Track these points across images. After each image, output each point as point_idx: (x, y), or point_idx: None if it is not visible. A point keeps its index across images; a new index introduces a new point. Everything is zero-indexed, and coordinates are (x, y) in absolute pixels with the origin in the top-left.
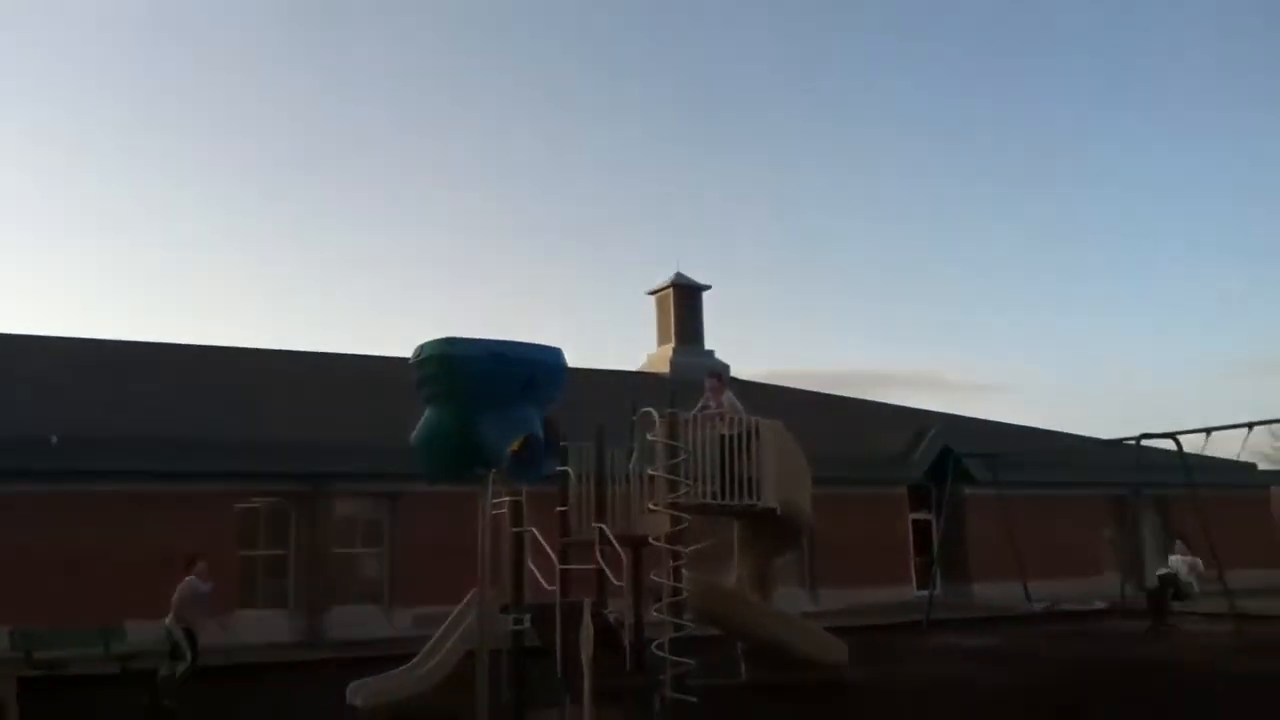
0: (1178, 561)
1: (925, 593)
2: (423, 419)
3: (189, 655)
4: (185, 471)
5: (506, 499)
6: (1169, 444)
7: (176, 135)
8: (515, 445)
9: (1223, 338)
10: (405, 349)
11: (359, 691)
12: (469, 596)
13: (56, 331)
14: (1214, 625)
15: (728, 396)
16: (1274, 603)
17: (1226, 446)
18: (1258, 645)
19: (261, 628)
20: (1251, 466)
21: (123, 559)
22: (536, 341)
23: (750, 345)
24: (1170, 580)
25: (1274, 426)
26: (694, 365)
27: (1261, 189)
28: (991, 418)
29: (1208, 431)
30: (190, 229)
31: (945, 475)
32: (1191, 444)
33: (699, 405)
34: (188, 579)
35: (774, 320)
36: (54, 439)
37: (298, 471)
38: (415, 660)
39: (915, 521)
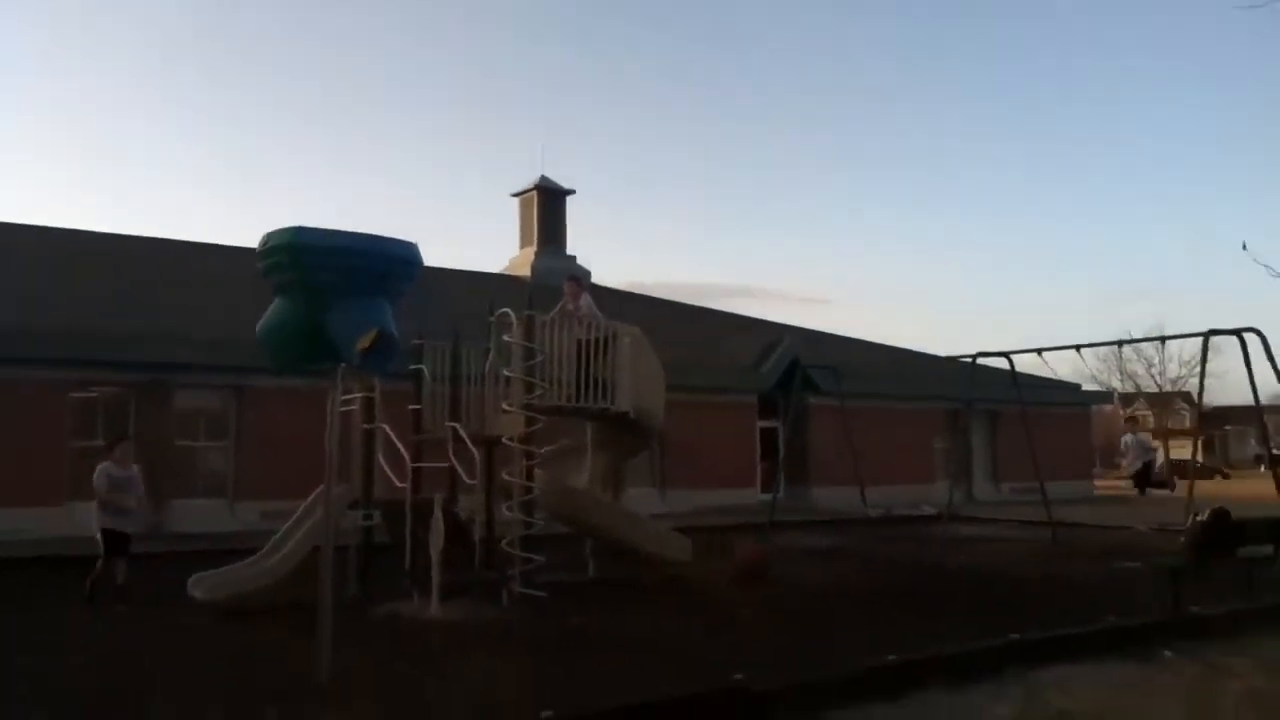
0: (1131, 441)
1: (769, 496)
2: (270, 309)
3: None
4: (13, 357)
5: (359, 395)
6: (1003, 362)
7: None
8: (367, 339)
9: (1067, 269)
10: (254, 239)
11: (200, 584)
12: (317, 492)
13: None
14: (1034, 532)
15: (586, 300)
16: (1087, 511)
17: (1057, 367)
18: (1069, 550)
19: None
20: (1076, 387)
21: None
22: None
23: (612, 253)
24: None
25: (1099, 350)
26: (555, 269)
27: (1098, 124)
28: (839, 332)
29: (1039, 351)
30: (35, 104)
31: (792, 386)
32: (1025, 364)
33: (557, 307)
34: (101, 464)
35: (637, 230)
36: None
37: (138, 360)
38: (260, 554)
39: (763, 429)
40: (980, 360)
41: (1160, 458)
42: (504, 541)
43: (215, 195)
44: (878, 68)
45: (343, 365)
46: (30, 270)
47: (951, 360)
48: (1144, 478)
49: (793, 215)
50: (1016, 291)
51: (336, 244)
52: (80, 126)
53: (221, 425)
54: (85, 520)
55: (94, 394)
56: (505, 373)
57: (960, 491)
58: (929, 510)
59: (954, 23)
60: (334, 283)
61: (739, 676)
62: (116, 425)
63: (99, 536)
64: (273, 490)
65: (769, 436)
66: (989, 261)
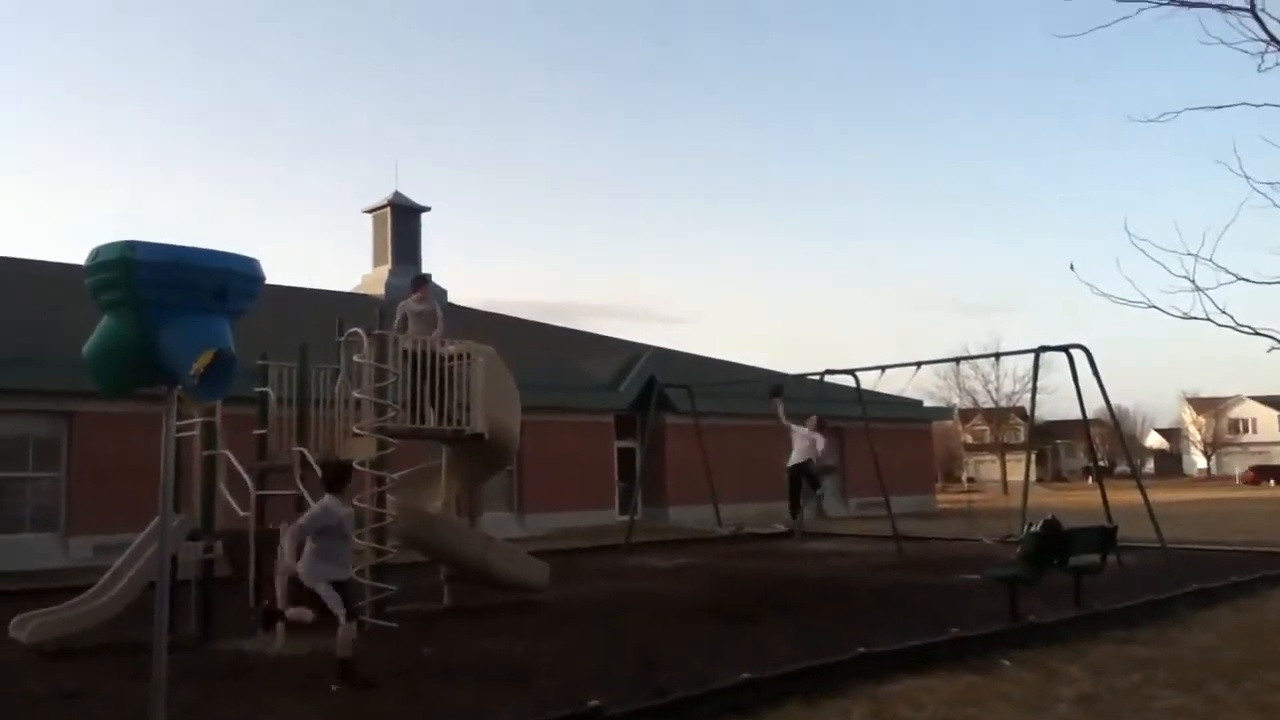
0: (801, 433)
1: (627, 517)
2: (98, 328)
3: None
4: None
5: (198, 420)
6: (849, 380)
7: None
8: (204, 360)
9: (899, 280)
10: (82, 254)
11: (23, 625)
12: (153, 524)
13: None
14: (881, 546)
15: (434, 302)
16: (931, 524)
17: (898, 383)
18: (914, 563)
19: None
20: (918, 403)
21: None
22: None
23: (469, 273)
24: (801, 470)
25: (938, 366)
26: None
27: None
28: (692, 350)
29: (882, 369)
30: None
31: (649, 405)
32: (868, 380)
33: (404, 301)
34: None
35: (495, 250)
36: None
37: None
38: (90, 591)
39: (621, 449)
40: (829, 378)
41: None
42: (355, 571)
43: (41, 208)
44: (734, 85)
45: (178, 387)
46: None
47: (801, 378)
48: (798, 485)
49: (655, 234)
50: (861, 310)
51: (171, 258)
52: None
53: (51, 454)
54: None
55: None
56: (356, 394)
57: (810, 507)
58: (780, 527)
59: (803, 42)
60: (168, 300)
61: (594, 702)
62: None
63: None
64: (108, 523)
65: (627, 456)
66: (838, 280)
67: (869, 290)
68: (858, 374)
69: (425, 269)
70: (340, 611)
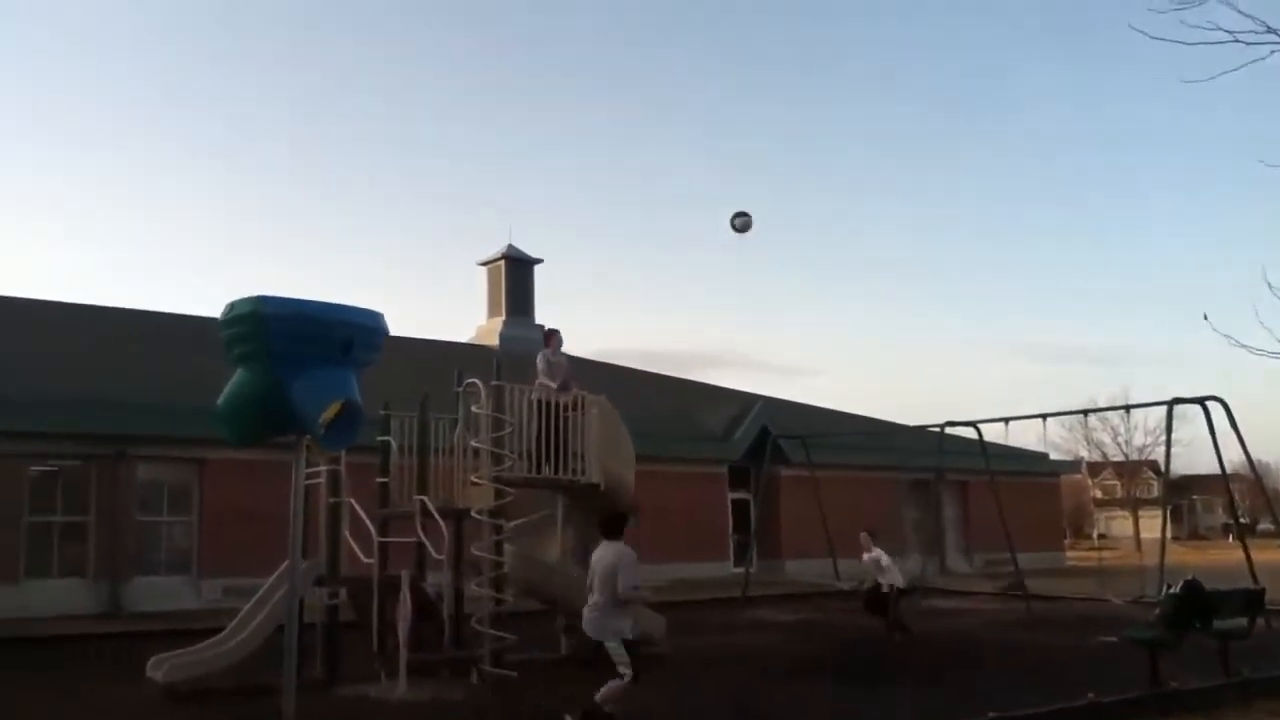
0: (869, 562)
1: (741, 569)
2: (232, 380)
3: None
4: None
5: (324, 468)
6: (970, 432)
7: None
8: (331, 410)
9: (1019, 329)
10: (217, 309)
11: (159, 666)
12: (281, 569)
13: None
14: (1008, 604)
15: (564, 355)
16: (1060, 582)
17: (1022, 436)
18: (1044, 623)
19: (57, 598)
20: (1044, 456)
21: None
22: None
23: (579, 321)
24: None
25: (1065, 419)
26: (523, 339)
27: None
28: (806, 401)
29: (1006, 421)
30: None
31: (763, 455)
32: (991, 433)
33: (540, 357)
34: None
35: (607, 300)
36: None
37: (98, 432)
38: (222, 634)
39: (735, 500)
40: (949, 430)
41: (896, 579)
42: (474, 619)
43: (180, 265)
44: (852, 148)
45: (306, 437)
46: None
47: (921, 430)
48: (881, 603)
49: (770, 283)
50: (983, 361)
51: (300, 312)
52: (44, 196)
53: (184, 499)
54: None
55: (54, 467)
56: (473, 444)
57: (933, 563)
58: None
59: (936, 112)
60: (297, 352)
61: None
62: (77, 499)
63: None
64: (237, 566)
65: (741, 508)
66: (958, 330)
67: (991, 339)
68: (979, 426)
69: (538, 320)
70: (626, 673)
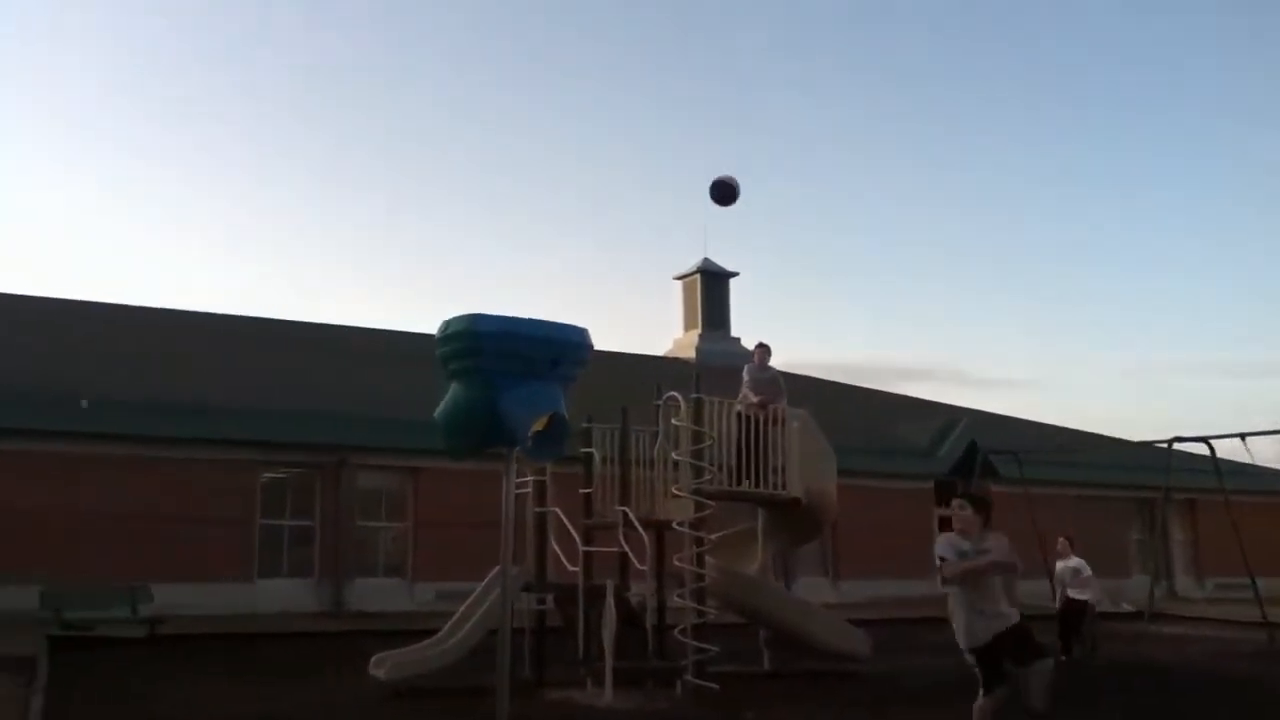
0: (1063, 570)
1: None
2: (448, 394)
3: None
4: (215, 438)
5: (530, 479)
6: (1202, 448)
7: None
8: (539, 423)
9: (1252, 341)
10: (429, 325)
11: (381, 664)
12: (492, 574)
13: (95, 297)
14: (1241, 632)
15: (773, 370)
16: None
17: (1260, 452)
18: None
19: (285, 596)
20: None
21: (151, 522)
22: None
23: (776, 334)
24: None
25: None
26: (719, 352)
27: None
28: (1017, 414)
29: (1243, 436)
30: (219, 203)
31: (971, 470)
32: (1225, 449)
33: (746, 370)
34: None
35: (805, 312)
36: (84, 403)
37: (322, 442)
38: (438, 635)
39: (942, 518)
40: (1178, 446)
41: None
42: (676, 630)
43: (388, 283)
44: (1057, 146)
45: (516, 449)
46: (224, 355)
47: (1145, 445)
48: (1073, 625)
49: (974, 290)
50: (1217, 371)
51: (511, 330)
52: (255, 217)
53: (400, 506)
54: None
55: (283, 475)
56: (674, 456)
57: (1160, 587)
58: (1127, 608)
59: (1164, 107)
60: (509, 368)
61: None
62: (303, 504)
63: None
64: (448, 571)
65: (948, 526)
66: (1189, 339)
67: (1225, 348)
68: (1212, 441)
69: (734, 333)
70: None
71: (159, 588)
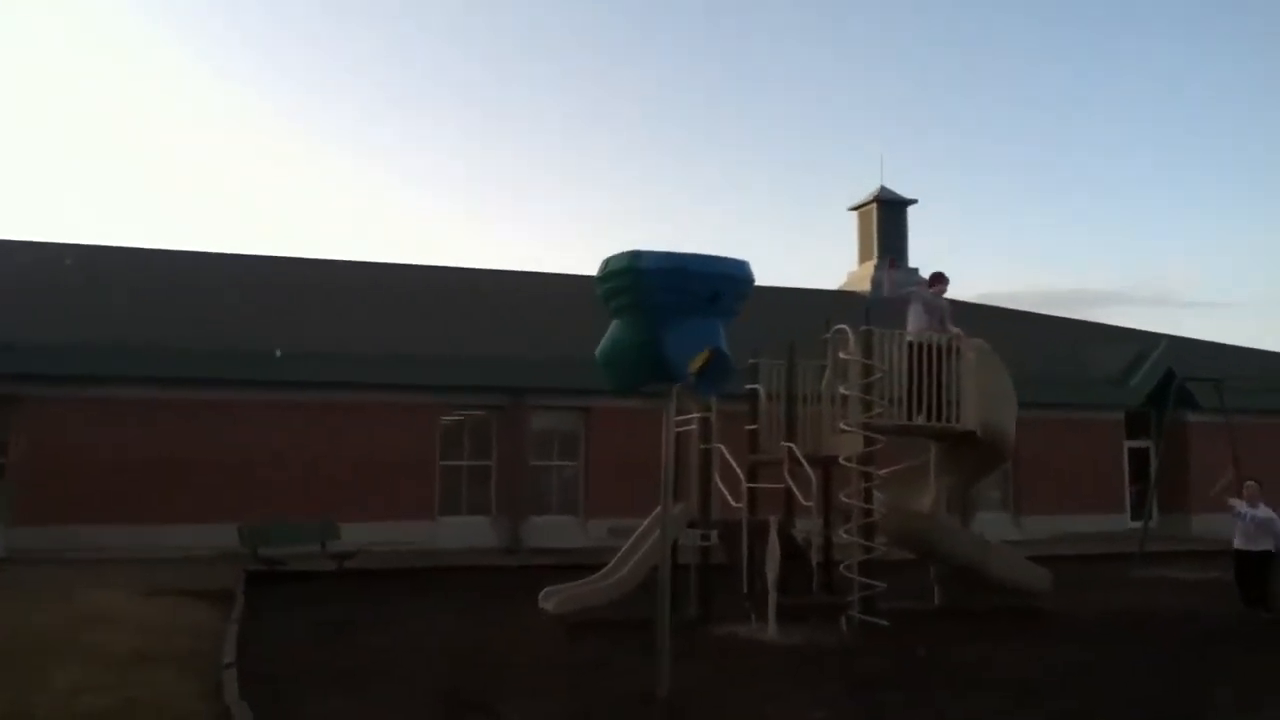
0: (1245, 511)
1: (1139, 524)
2: (608, 332)
3: None
4: (395, 383)
5: (696, 416)
6: None
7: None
8: (699, 359)
9: None
10: (577, 265)
11: (551, 597)
12: (656, 511)
13: (280, 252)
14: None
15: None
16: None
17: None
18: None
19: (465, 533)
20: None
21: (340, 464)
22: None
23: (957, 263)
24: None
25: None
26: (897, 283)
27: None
28: (1222, 339)
29: None
30: (388, 157)
31: (1167, 400)
32: None
33: (916, 296)
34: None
35: (989, 238)
36: (278, 353)
37: (498, 384)
38: (604, 570)
39: (1133, 449)
40: None
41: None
42: (842, 566)
43: (552, 225)
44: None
45: (677, 385)
46: (404, 306)
47: None
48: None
49: (1175, 207)
50: None
51: (671, 265)
52: (429, 160)
53: (572, 445)
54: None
55: (461, 417)
56: (842, 390)
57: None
58: None
59: None
60: (669, 303)
61: None
62: (481, 445)
63: None
64: (619, 508)
65: (1139, 458)
66: None
67: None
68: None
69: (912, 264)
70: None
71: (347, 527)
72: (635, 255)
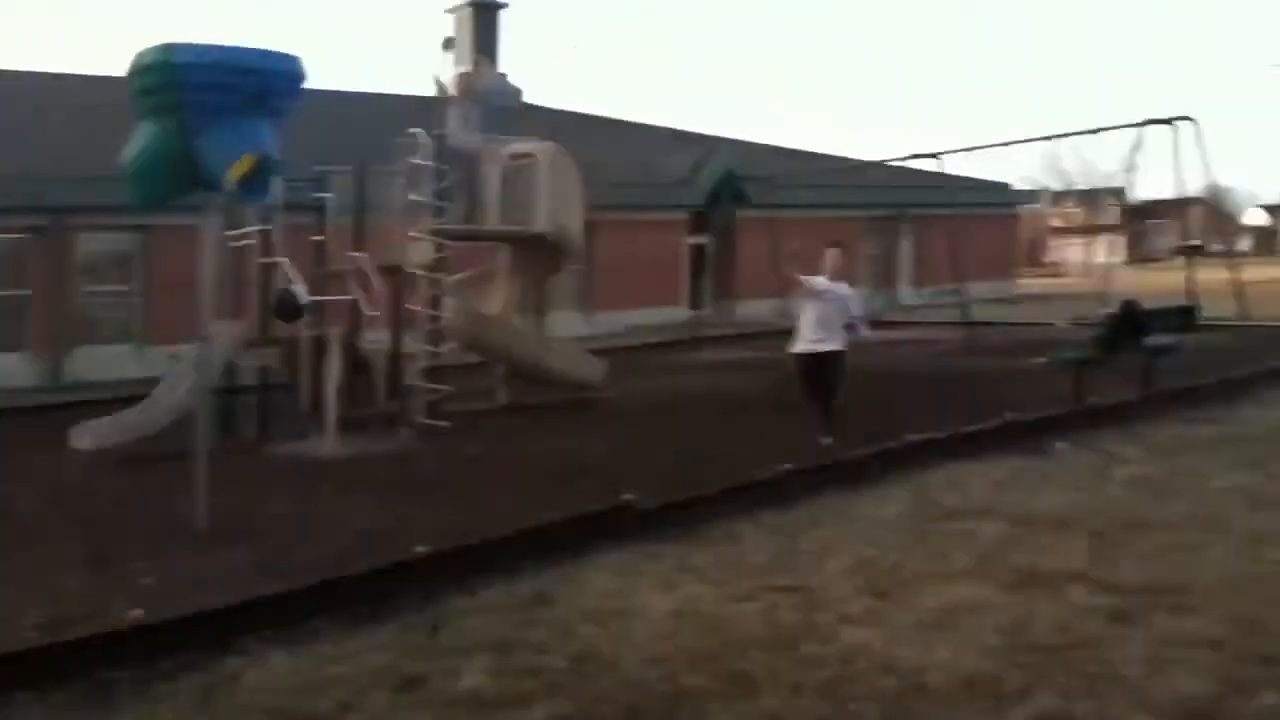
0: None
1: (695, 312)
2: (136, 137)
3: None
4: None
5: (256, 230)
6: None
7: None
8: (242, 165)
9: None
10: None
11: (86, 433)
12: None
13: None
14: (950, 333)
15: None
16: (1004, 310)
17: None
18: (982, 349)
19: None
20: (1005, 186)
21: None
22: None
23: (550, 71)
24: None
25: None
26: (485, 90)
27: None
28: (783, 144)
29: (969, 150)
30: None
31: (723, 199)
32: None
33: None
34: None
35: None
36: None
37: (34, 205)
38: (148, 400)
39: (694, 246)
40: (913, 162)
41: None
42: (407, 373)
43: (69, 20)
44: None
45: (219, 195)
46: None
47: (883, 166)
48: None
49: (726, 26)
50: (952, 90)
51: (211, 59)
52: None
53: (129, 268)
54: None
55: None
56: (413, 197)
57: (885, 297)
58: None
59: None
60: (209, 103)
61: (628, 496)
62: (16, 274)
63: None
64: (182, 332)
65: (699, 253)
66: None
67: (961, 56)
68: (942, 156)
69: (503, 70)
70: None
71: None
72: (168, 48)
